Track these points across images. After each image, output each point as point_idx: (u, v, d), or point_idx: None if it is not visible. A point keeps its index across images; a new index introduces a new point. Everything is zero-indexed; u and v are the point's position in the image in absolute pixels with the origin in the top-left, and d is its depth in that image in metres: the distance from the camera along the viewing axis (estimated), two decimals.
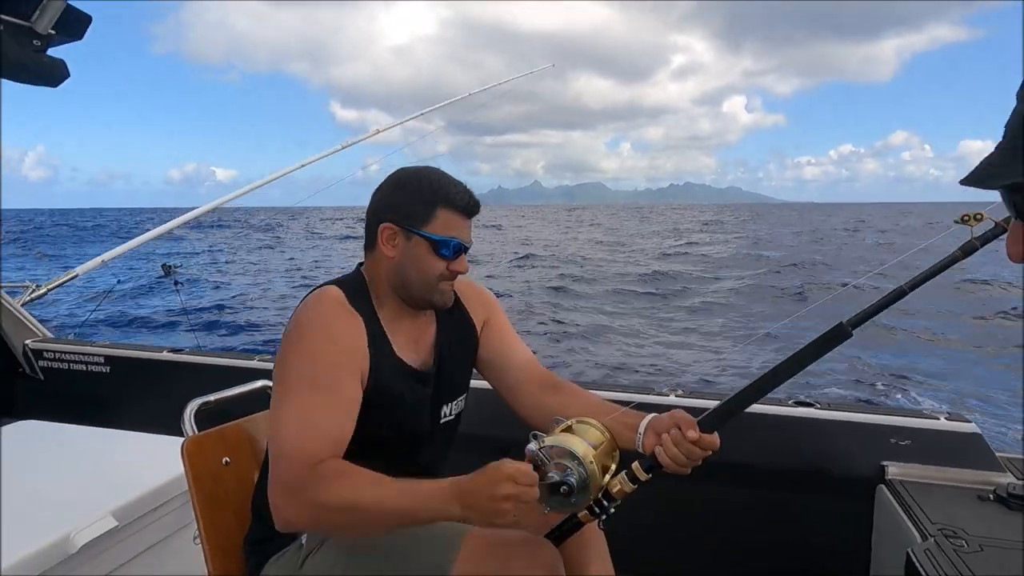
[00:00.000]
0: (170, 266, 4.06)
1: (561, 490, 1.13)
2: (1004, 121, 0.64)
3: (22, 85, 2.60)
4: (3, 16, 2.32)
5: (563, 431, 1.21)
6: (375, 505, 1.07)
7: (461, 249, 1.29)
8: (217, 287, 16.20)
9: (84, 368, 3.02)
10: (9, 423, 2.06)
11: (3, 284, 3.29)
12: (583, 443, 1.17)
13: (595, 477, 1.15)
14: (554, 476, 1.13)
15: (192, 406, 1.47)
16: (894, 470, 1.79)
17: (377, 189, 1.32)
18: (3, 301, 3.16)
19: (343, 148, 4.53)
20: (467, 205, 1.29)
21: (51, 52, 2.55)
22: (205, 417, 1.52)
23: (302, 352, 1.19)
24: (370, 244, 1.32)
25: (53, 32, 2.49)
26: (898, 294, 1.11)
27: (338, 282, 1.30)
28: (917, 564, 1.33)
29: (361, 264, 1.37)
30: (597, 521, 1.21)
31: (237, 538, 1.37)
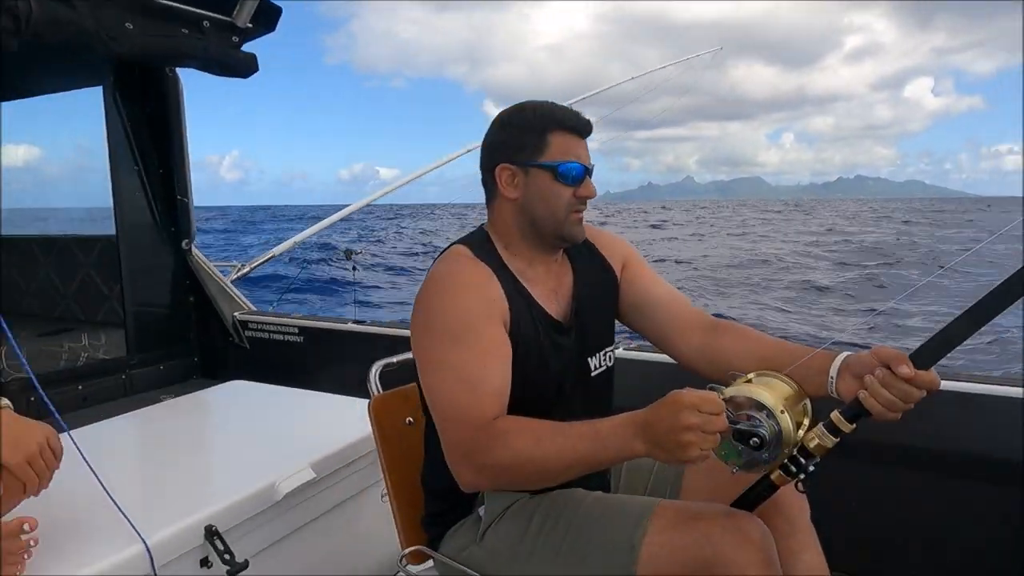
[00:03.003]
0: (351, 251, 4.33)
1: (751, 442, 0.99)
2: None
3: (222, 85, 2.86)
4: (208, 13, 2.55)
5: (743, 384, 1.06)
6: (556, 456, 1.01)
7: (584, 172, 1.19)
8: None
9: (281, 337, 3.31)
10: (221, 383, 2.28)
11: (215, 264, 3.70)
12: (771, 393, 1.02)
13: (788, 431, 0.99)
14: (742, 426, 0.99)
15: (377, 367, 1.50)
16: None
17: (483, 139, 1.26)
18: (217, 278, 3.55)
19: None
20: (578, 124, 1.20)
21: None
22: (388, 380, 1.55)
23: (439, 311, 1.14)
24: (491, 194, 1.26)
25: (250, 26, 2.71)
26: None
27: (461, 240, 1.26)
28: None
29: (483, 225, 1.31)
30: (795, 482, 1.05)
31: (421, 495, 1.37)
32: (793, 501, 1.17)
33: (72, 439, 1.18)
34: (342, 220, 4.99)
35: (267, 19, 2.76)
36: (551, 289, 1.27)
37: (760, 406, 1.00)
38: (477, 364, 1.10)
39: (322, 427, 1.84)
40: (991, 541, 1.64)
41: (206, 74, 2.82)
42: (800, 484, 1.06)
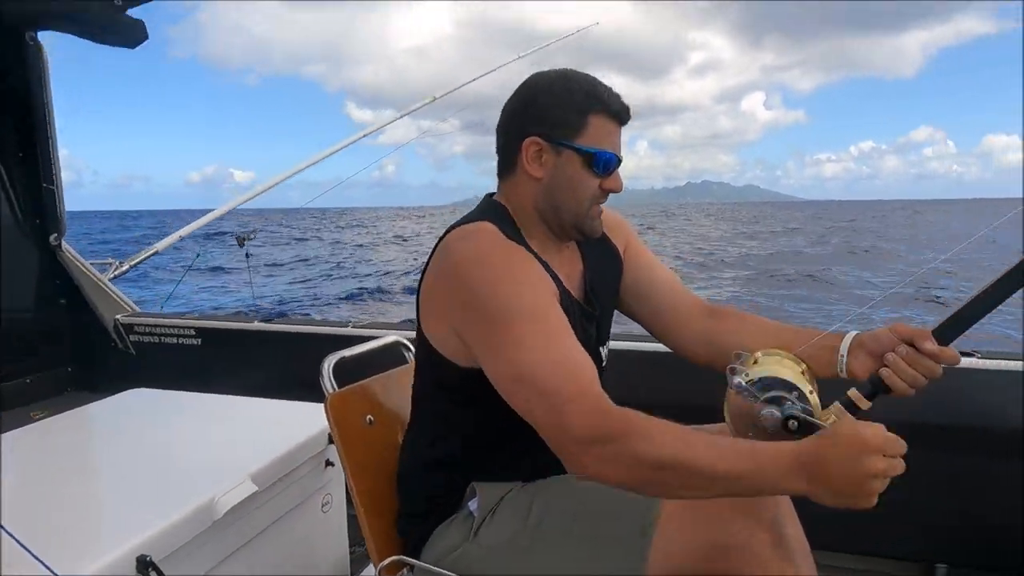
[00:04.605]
0: (243, 237, 3.98)
1: (789, 425, 0.96)
2: None
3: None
4: None
5: (755, 365, 1.04)
6: (709, 466, 0.85)
7: (617, 163, 1.11)
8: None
9: (175, 340, 2.98)
10: (111, 395, 1.99)
11: (88, 261, 3.27)
12: (794, 372, 1.01)
13: (819, 411, 0.98)
14: (774, 412, 0.97)
15: (330, 361, 1.34)
16: None
17: (512, 99, 1.13)
18: (93, 277, 3.14)
19: (349, 143, 4.20)
20: (621, 109, 1.10)
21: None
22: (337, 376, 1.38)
23: (503, 294, 0.97)
24: (508, 166, 1.14)
25: None
26: None
27: (483, 215, 1.12)
28: None
29: (491, 195, 1.19)
30: None
31: (389, 503, 1.25)
32: None
33: None
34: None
35: None
36: (566, 275, 1.17)
37: (790, 386, 0.98)
38: (566, 346, 0.96)
39: (252, 434, 1.64)
40: (991, 512, 1.69)
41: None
42: None
